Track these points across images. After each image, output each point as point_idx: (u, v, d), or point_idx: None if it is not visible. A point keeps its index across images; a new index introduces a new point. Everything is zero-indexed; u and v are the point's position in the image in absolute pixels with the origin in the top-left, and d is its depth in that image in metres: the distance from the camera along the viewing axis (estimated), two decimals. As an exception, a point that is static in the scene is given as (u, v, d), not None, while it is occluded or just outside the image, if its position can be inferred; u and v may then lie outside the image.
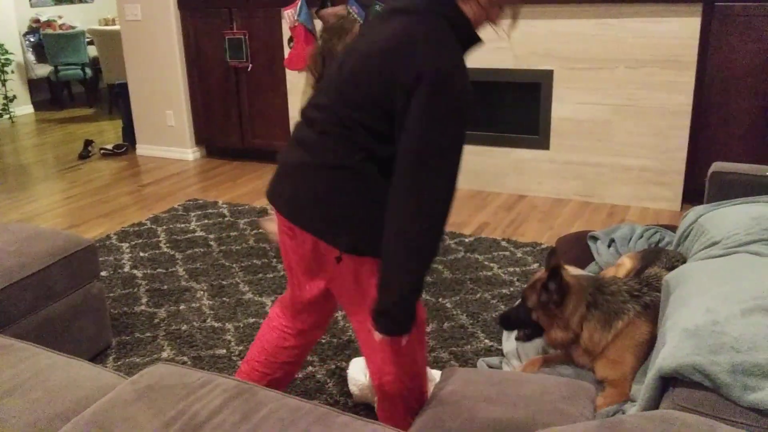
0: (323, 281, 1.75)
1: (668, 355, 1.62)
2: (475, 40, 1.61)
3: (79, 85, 8.45)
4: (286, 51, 4.85)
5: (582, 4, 3.92)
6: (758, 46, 3.64)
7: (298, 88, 4.95)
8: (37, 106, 8.08)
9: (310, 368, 2.53)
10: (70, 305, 2.53)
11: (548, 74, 4.13)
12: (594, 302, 2.12)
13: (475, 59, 4.23)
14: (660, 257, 2.33)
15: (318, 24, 4.68)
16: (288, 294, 1.92)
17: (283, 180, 1.69)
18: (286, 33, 4.81)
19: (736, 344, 1.54)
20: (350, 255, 1.62)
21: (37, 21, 8.26)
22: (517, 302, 2.29)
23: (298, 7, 4.59)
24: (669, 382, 1.63)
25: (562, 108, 4.16)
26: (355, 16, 4.44)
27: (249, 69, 5.09)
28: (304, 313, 1.90)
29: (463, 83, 1.51)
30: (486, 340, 2.66)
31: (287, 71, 4.91)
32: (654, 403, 1.65)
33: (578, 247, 2.83)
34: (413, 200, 1.49)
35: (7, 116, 7.45)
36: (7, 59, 7.35)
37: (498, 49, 4.21)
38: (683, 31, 3.74)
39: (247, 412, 1.41)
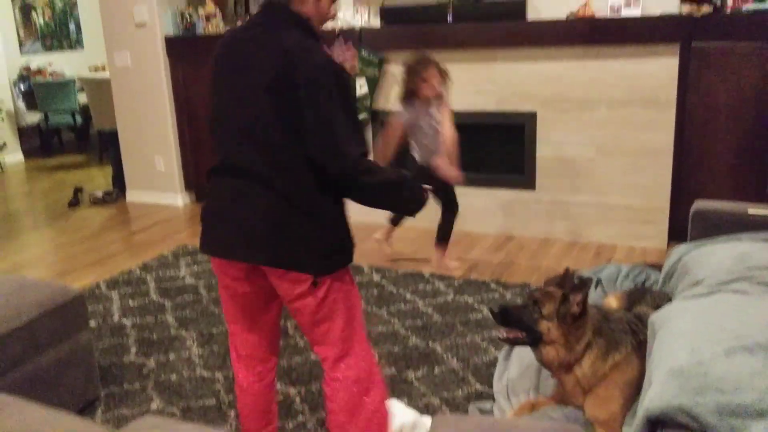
0: (278, 304, 1.98)
1: (655, 396, 1.63)
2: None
3: (69, 131, 8.50)
4: (274, 96, 4.91)
5: (562, 47, 4.01)
6: (735, 85, 3.72)
7: (286, 132, 4.99)
8: (27, 153, 8.10)
9: (300, 417, 2.51)
10: (58, 357, 2.51)
11: (532, 116, 4.20)
12: (599, 330, 2.09)
13: (460, 102, 4.31)
14: (645, 297, 2.35)
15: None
16: (243, 349, 2.02)
17: (231, 227, 1.82)
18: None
19: (721, 385, 1.56)
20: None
21: (28, 69, 8.34)
22: (522, 303, 2.19)
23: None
24: (657, 424, 1.64)
25: (546, 148, 4.23)
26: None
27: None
28: (264, 344, 2.02)
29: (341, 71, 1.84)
30: (477, 385, 2.65)
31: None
32: (643, 447, 1.65)
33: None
34: None
35: (-5, 165, 7.47)
36: (-3, 108, 7.41)
37: (481, 91, 4.29)
38: (662, 71, 3.83)
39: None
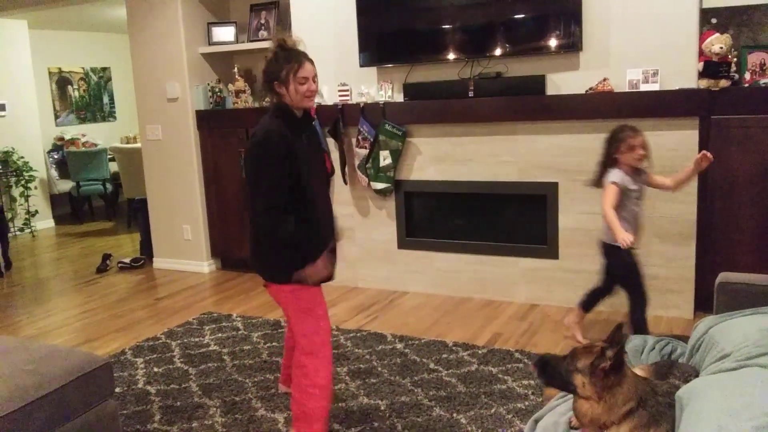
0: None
1: (683, 474, 1.60)
2: (299, 120, 2.66)
3: (99, 199, 8.72)
4: (300, 167, 5.03)
5: (581, 120, 4.09)
6: (757, 157, 3.75)
7: (311, 201, 5.10)
8: (58, 219, 8.32)
9: (322, 488, 2.48)
10: (84, 425, 2.53)
11: (553, 186, 4.25)
12: (645, 401, 2.04)
13: (482, 173, 4.39)
14: (672, 370, 2.32)
15: (331, 142, 4.88)
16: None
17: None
18: (300, 150, 5.01)
19: (751, 463, 1.53)
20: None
21: (61, 139, 8.65)
22: (563, 355, 2.14)
23: (311, 126, 4.81)
24: (686, 503, 1.61)
25: (568, 218, 4.26)
26: (366, 134, 4.66)
27: (264, 184, 5.27)
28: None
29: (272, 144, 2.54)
30: (501, 457, 2.62)
31: (301, 186, 5.07)
32: None
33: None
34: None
35: (29, 230, 7.66)
36: (31, 176, 7.64)
37: (503, 162, 4.36)
38: (682, 143, 3.88)
39: None
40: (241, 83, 5.47)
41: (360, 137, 4.71)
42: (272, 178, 2.50)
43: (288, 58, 2.60)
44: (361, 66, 4.67)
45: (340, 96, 4.81)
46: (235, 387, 3.37)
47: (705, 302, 3.91)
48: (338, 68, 4.85)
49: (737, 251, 3.89)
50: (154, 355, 3.83)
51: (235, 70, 5.53)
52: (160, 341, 4.05)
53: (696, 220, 3.94)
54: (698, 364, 2.48)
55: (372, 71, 4.73)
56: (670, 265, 4.04)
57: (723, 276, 2.75)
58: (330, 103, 4.87)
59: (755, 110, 3.72)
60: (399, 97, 4.66)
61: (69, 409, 2.48)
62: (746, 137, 3.77)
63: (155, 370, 3.63)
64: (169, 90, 5.46)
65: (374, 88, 4.73)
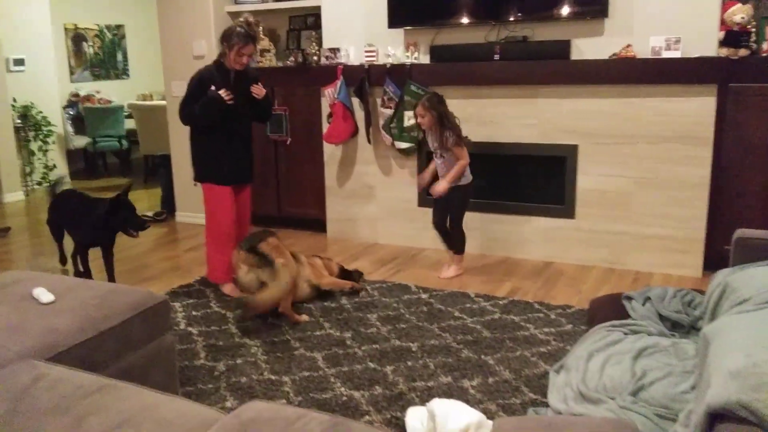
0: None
1: (715, 394, 1.81)
2: (228, 71, 4.00)
3: (112, 156, 8.85)
4: (325, 126, 5.18)
5: (604, 84, 4.25)
6: (770, 124, 3.93)
7: (334, 159, 5.26)
8: (73, 175, 8.44)
9: (366, 417, 2.70)
10: (146, 356, 2.72)
11: (573, 148, 4.43)
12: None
13: (505, 135, 4.55)
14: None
15: (355, 102, 5.02)
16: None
17: None
18: (325, 109, 5.15)
19: (776, 383, 1.74)
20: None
21: (77, 95, 8.73)
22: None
23: (337, 87, 4.95)
24: (716, 418, 1.82)
25: (586, 180, 4.44)
26: (392, 95, 4.80)
27: (288, 142, 5.43)
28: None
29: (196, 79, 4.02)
30: (530, 394, 2.83)
31: (325, 144, 5.23)
32: (704, 438, 1.83)
33: (613, 306, 3.02)
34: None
35: (47, 184, 7.79)
36: (49, 131, 7.76)
37: (526, 125, 4.53)
38: (700, 109, 4.05)
39: (345, 439, 1.59)
40: (266, 42, 5.58)
41: (385, 97, 4.85)
42: (186, 97, 3.99)
43: (241, 36, 3.86)
44: (389, 27, 4.79)
45: (367, 57, 4.94)
46: (274, 329, 3.58)
47: (714, 262, 4.11)
48: (366, 29, 4.97)
49: (746, 215, 4.09)
50: (191, 300, 4.03)
51: (261, 29, 5.63)
52: (194, 288, 4.24)
53: (709, 184, 4.13)
54: (716, 311, 2.69)
55: (399, 33, 4.85)
56: (681, 226, 4.24)
57: (740, 232, 2.94)
58: (356, 63, 5.00)
59: (772, 79, 3.88)
60: (425, 60, 4.79)
61: (134, 341, 2.67)
62: (762, 105, 3.94)
63: (194, 313, 3.83)
64: (195, 48, 5.57)
65: (400, 49, 4.86)
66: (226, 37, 3.91)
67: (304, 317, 3.71)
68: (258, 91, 4.05)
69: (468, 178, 4.28)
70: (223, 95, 3.85)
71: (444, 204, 4.33)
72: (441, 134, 4.15)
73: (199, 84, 3.93)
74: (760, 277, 2.49)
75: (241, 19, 4.02)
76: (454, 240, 4.42)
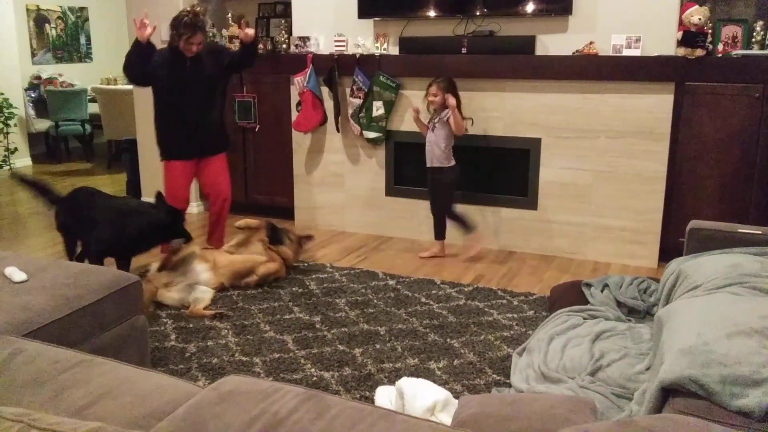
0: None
1: (668, 369, 1.94)
2: (181, 53, 4.17)
3: (74, 140, 8.72)
4: (294, 114, 5.22)
5: (567, 80, 4.39)
6: (723, 122, 4.12)
7: (302, 147, 5.31)
8: (35, 159, 8.31)
9: (337, 396, 2.77)
10: (119, 335, 2.76)
11: (537, 142, 4.56)
12: None
13: (471, 127, 4.66)
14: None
15: (324, 91, 5.08)
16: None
17: None
18: (294, 97, 5.19)
19: (724, 360, 1.88)
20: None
21: (39, 78, 8.57)
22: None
23: (307, 75, 5.00)
24: (668, 393, 1.95)
25: (548, 172, 4.58)
26: (361, 85, 4.87)
27: (256, 129, 5.45)
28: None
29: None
30: (494, 375, 2.95)
31: (294, 132, 5.27)
32: (657, 412, 1.96)
33: (573, 293, 3.17)
34: None
35: (7, 167, 7.66)
36: (11, 113, 7.62)
37: (491, 118, 4.64)
38: (658, 106, 4.22)
39: (319, 411, 1.67)
40: (234, 29, 5.57)
41: (354, 87, 4.92)
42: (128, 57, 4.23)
43: (189, 25, 4.03)
44: (359, 17, 4.86)
45: (336, 46, 5.00)
46: (243, 313, 3.63)
47: (668, 253, 4.29)
48: (336, 19, 5.02)
49: (701, 208, 4.27)
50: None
51: (229, 15, 5.64)
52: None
53: (665, 178, 4.31)
54: (669, 296, 2.84)
55: (368, 24, 4.92)
56: (638, 218, 4.41)
57: (694, 223, 3.10)
58: (326, 53, 5.05)
59: (725, 79, 4.06)
60: (394, 51, 4.87)
61: (106, 321, 2.70)
62: (716, 103, 4.12)
63: (162, 297, 3.85)
64: (163, 33, 5.54)
65: (370, 40, 4.92)
66: (174, 26, 4.11)
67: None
68: (245, 36, 4.24)
69: (452, 161, 4.51)
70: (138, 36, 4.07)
71: (432, 188, 4.64)
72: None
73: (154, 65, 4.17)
74: (712, 265, 2.65)
75: (188, 9, 4.16)
76: (435, 224, 4.69)
